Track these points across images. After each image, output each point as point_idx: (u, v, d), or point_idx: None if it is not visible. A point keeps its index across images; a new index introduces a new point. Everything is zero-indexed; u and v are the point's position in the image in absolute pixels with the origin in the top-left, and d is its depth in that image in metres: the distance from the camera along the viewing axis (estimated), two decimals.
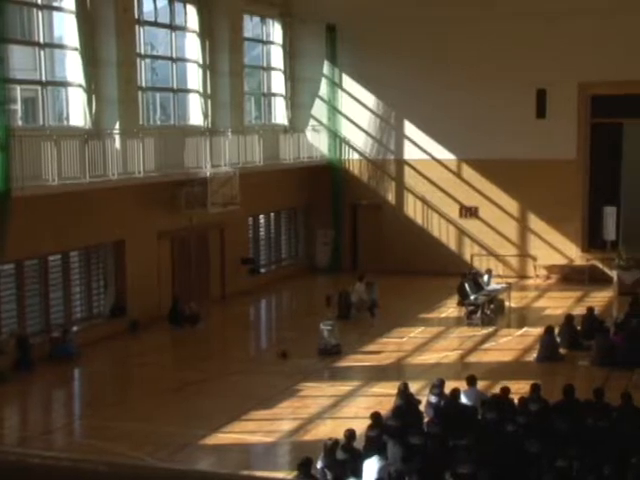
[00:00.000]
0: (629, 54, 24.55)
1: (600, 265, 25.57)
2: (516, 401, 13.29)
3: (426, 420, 13.09)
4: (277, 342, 20.25)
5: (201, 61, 24.10)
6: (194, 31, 23.96)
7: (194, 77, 24.15)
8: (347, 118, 28.30)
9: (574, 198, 25.87)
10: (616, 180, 25.98)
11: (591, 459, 10.78)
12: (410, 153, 27.66)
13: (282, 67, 28.31)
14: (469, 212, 27.22)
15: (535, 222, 26.53)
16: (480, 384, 14.80)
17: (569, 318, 18.85)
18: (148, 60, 23.22)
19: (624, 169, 26.16)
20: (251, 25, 27.45)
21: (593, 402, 13.13)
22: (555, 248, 26.34)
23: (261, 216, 27.11)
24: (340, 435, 11.74)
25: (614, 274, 24.02)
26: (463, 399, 13.69)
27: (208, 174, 22.17)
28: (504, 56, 25.89)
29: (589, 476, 10.33)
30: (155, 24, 23.33)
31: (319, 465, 10.99)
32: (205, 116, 24.25)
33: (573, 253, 26.18)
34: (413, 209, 27.79)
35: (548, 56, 25.34)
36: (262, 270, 26.95)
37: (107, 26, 20.00)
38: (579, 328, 18.81)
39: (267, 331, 23.19)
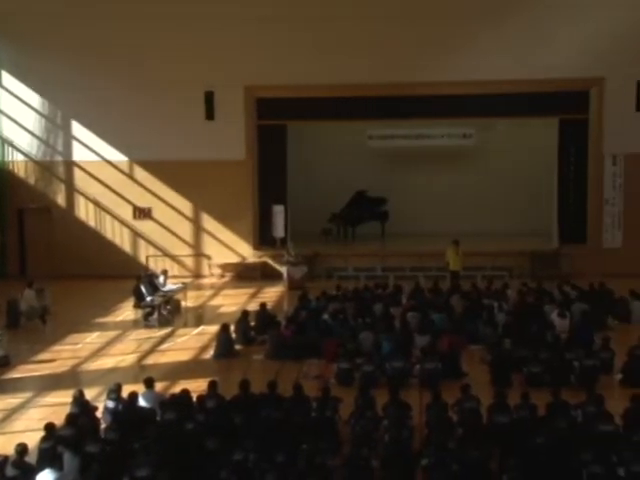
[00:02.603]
0: (291, 58, 25.71)
1: (271, 262, 26.57)
2: (195, 399, 13.40)
3: (103, 426, 12.79)
4: None
5: None
6: None
7: None
8: (9, 117, 26.88)
9: (245, 198, 26.65)
10: (283, 180, 27.15)
11: (265, 449, 11.14)
12: (80, 154, 26.88)
13: None
14: (143, 213, 27.04)
15: (209, 222, 26.96)
16: (159, 385, 14.75)
17: (244, 314, 19.35)
18: None
19: (290, 169, 27.42)
20: None
21: (267, 394, 13.60)
22: (228, 247, 26.96)
23: None
24: (11, 451, 11.10)
25: (284, 270, 25.11)
26: (142, 402, 13.56)
27: None
28: (173, 57, 25.98)
29: (264, 465, 10.65)
30: None
31: None
32: None
33: (245, 251, 26.95)
34: (85, 212, 27.06)
35: (215, 59, 25.86)
36: None
37: None
38: (253, 324, 19.39)
39: None
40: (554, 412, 12.75)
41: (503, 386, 14.43)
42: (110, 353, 18.44)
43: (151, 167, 26.67)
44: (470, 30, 25.36)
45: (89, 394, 14.13)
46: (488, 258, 25.72)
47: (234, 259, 26.99)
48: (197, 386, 14.75)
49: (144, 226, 27.06)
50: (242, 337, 18.69)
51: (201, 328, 20.53)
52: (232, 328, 18.62)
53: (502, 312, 19.24)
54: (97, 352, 18.50)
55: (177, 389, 14.49)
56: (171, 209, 26.90)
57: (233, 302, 23.18)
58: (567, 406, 12.99)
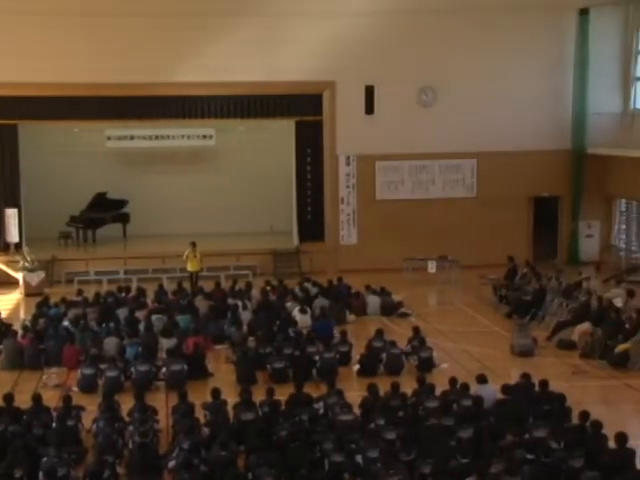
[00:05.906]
0: (20, 55, 24.37)
1: (5, 267, 25.22)
2: None
3: None
4: None
5: None
6: None
7: None
8: None
9: None
10: (15, 182, 25.87)
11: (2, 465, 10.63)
12: None
13: None
14: None
15: None
16: None
17: None
18: None
19: (23, 171, 26.17)
20: None
21: (3, 408, 12.95)
22: None
23: None
24: None
25: (20, 276, 24.00)
26: None
27: None
28: None
29: None
30: None
31: None
32: None
33: None
34: None
35: None
36: None
37: None
38: None
39: None
40: (297, 406, 13.14)
41: (248, 384, 14.67)
42: None
43: None
44: (209, 32, 25.43)
45: None
46: (232, 258, 26.02)
47: None
48: None
49: None
50: None
51: None
52: None
53: (246, 311, 19.54)
54: None
55: None
56: None
57: None
58: (309, 399, 13.42)
